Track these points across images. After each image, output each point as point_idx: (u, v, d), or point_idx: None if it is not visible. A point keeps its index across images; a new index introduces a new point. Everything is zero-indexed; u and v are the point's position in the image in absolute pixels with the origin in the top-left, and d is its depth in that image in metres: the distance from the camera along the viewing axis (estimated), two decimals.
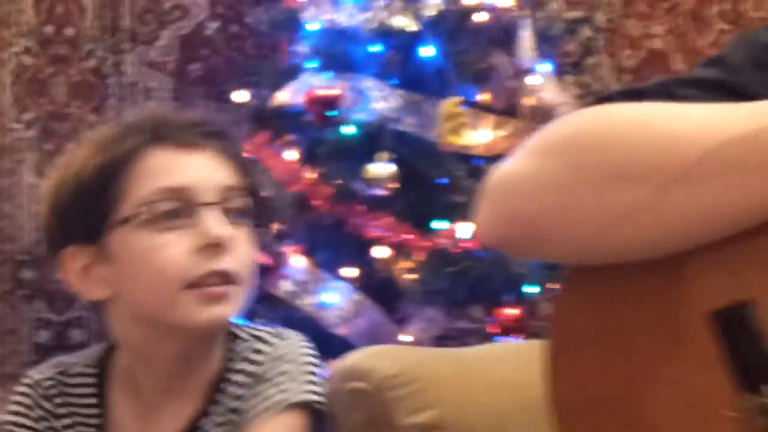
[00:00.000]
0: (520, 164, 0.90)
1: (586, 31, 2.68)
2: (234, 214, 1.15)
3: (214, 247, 1.10)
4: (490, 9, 2.00)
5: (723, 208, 0.80)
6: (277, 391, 1.13)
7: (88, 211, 1.15)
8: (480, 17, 1.98)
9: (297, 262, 1.97)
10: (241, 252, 1.13)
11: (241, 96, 2.18)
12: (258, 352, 1.17)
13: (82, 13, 2.52)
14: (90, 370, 1.21)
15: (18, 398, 1.18)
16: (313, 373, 1.16)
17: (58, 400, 1.18)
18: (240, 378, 1.16)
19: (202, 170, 1.15)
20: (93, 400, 1.18)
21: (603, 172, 0.85)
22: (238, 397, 1.16)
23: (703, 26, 2.57)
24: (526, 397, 1.15)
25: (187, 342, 1.15)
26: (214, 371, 1.17)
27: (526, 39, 2.00)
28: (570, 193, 0.86)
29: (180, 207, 1.12)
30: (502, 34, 2.01)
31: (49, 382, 1.18)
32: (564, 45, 2.54)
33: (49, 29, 2.50)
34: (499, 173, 0.90)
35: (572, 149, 0.89)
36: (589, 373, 1.01)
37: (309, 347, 1.19)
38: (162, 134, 1.17)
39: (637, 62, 2.54)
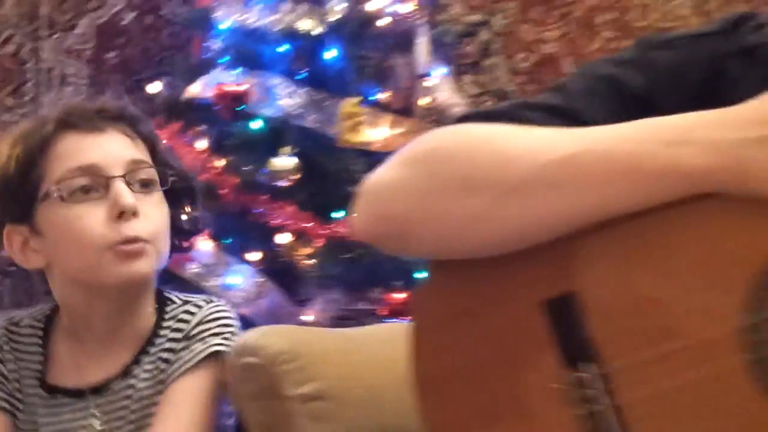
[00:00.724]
0: (390, 172, 1.03)
1: (484, 34, 2.77)
2: (141, 184, 1.27)
3: (125, 214, 1.22)
4: (391, 14, 2.08)
5: (550, 217, 0.94)
6: (201, 345, 1.28)
7: (16, 196, 1.29)
8: (381, 22, 2.07)
9: (204, 246, 2.01)
10: (151, 215, 1.27)
11: (154, 87, 2.25)
12: (188, 313, 1.32)
13: (1, 0, 2.52)
14: (37, 324, 1.35)
15: None
16: (231, 332, 1.31)
17: (6, 347, 1.31)
18: (169, 333, 1.30)
19: (107, 149, 1.28)
20: (38, 349, 1.31)
21: (454, 183, 0.99)
22: (168, 350, 1.29)
23: (592, 33, 2.72)
24: (398, 373, 1.27)
25: (117, 300, 1.28)
26: (147, 327, 1.31)
27: (422, 43, 2.10)
28: (428, 200, 1.00)
29: (92, 182, 1.26)
30: (401, 38, 2.10)
31: (0, 332, 1.32)
32: (464, 47, 2.69)
33: None
34: (373, 178, 1.03)
35: (431, 161, 1.02)
36: (443, 351, 1.15)
37: (231, 310, 1.34)
38: (70, 122, 1.29)
39: (530, 65, 2.66)
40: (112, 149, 1.31)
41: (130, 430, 1.29)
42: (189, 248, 1.47)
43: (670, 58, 1.05)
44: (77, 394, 1.29)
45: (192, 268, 1.99)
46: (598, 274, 0.96)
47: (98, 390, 1.29)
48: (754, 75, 1.00)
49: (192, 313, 1.32)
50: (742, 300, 0.86)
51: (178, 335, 1.30)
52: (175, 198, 1.34)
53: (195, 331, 1.31)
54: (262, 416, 1.31)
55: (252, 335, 1.32)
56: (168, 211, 1.33)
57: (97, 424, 1.28)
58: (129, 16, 2.57)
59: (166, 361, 1.30)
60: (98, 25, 2.58)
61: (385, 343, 1.42)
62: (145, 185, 1.31)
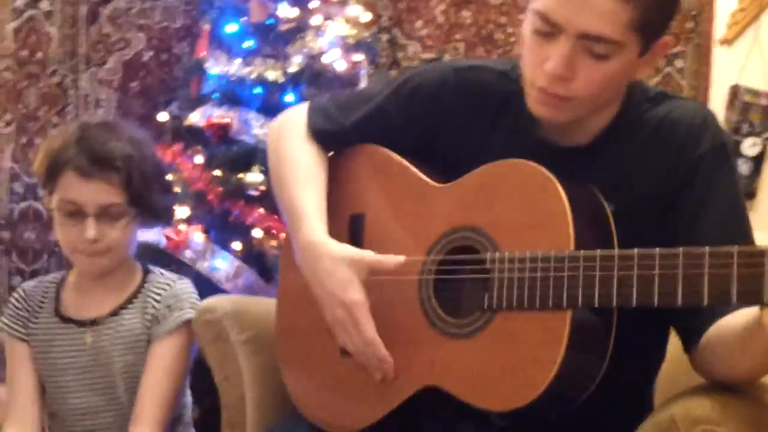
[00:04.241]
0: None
1: None
2: (109, 217, 1.73)
3: (90, 240, 1.72)
4: (341, 64, 2.47)
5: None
6: (178, 312, 1.81)
7: (44, 189, 1.80)
8: (332, 70, 2.45)
9: (197, 237, 2.36)
10: (111, 237, 1.74)
11: (163, 116, 2.63)
12: (166, 284, 1.86)
13: (49, 42, 2.80)
14: (55, 280, 1.91)
15: (11, 299, 1.88)
16: (196, 303, 1.82)
17: (35, 297, 1.86)
18: (150, 294, 1.84)
19: (89, 192, 1.74)
20: (53, 295, 1.86)
21: (271, 154, 1.57)
22: (149, 305, 1.81)
23: None
24: None
25: (96, 272, 1.82)
26: (133, 285, 1.85)
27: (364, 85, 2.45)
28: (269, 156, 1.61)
29: (74, 211, 1.75)
30: (348, 82, 2.46)
31: (32, 286, 1.87)
32: None
33: (24, 53, 2.81)
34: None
35: (273, 134, 1.62)
36: (286, 307, 1.63)
37: (193, 289, 1.86)
38: (75, 163, 1.73)
39: None
40: (93, 194, 1.72)
41: (110, 348, 1.82)
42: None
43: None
44: (79, 322, 1.85)
45: (187, 254, 2.34)
46: (375, 204, 1.50)
47: (93, 322, 1.83)
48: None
49: (169, 284, 1.84)
50: (429, 245, 1.42)
51: (158, 297, 1.82)
52: (149, 214, 1.80)
53: (171, 302, 1.81)
54: (217, 354, 1.75)
55: (210, 300, 1.78)
56: (132, 229, 1.75)
57: (89, 339, 1.83)
58: (148, 54, 2.87)
59: (145, 312, 1.81)
60: (124, 61, 2.87)
61: None
62: (113, 217, 1.74)
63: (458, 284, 1.41)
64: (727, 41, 3.25)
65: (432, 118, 1.50)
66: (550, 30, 1.30)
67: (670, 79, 3.37)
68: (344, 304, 1.40)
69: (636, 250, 1.22)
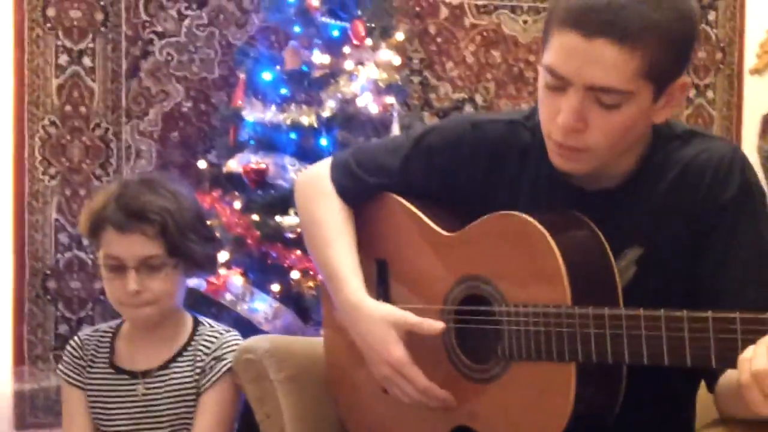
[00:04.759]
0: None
1: (468, 109, 3.17)
2: (149, 268, 1.77)
3: (132, 293, 1.77)
4: (374, 107, 2.51)
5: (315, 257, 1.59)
6: (222, 363, 1.85)
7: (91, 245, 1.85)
8: (365, 113, 2.50)
9: (236, 280, 2.41)
10: (153, 289, 1.77)
11: (202, 164, 2.71)
12: (214, 336, 1.89)
13: (91, 97, 2.86)
14: (111, 329, 1.95)
15: (68, 347, 1.91)
16: None
17: (90, 346, 1.89)
18: (199, 346, 1.87)
19: (127, 246, 1.78)
20: (108, 345, 1.89)
21: (301, 214, 1.64)
22: (198, 358, 1.85)
23: None
24: None
25: (144, 324, 1.86)
26: (183, 337, 1.89)
27: (395, 128, 2.52)
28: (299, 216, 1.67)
29: (117, 265, 1.79)
30: (380, 124, 2.51)
31: (86, 336, 1.89)
32: None
33: (68, 108, 2.85)
34: None
35: (299, 191, 1.70)
36: (331, 346, 1.70)
37: (239, 337, 1.88)
38: (112, 219, 1.78)
39: None
40: (131, 247, 1.77)
41: (161, 399, 1.86)
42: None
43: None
44: (132, 373, 1.88)
45: (227, 297, 2.39)
46: (395, 252, 1.57)
47: (145, 373, 1.87)
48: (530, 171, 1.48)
49: (216, 337, 1.88)
50: (445, 292, 1.48)
51: (207, 350, 1.86)
52: (190, 263, 1.83)
53: (218, 353, 1.85)
54: (257, 393, 1.77)
55: (249, 340, 1.82)
56: (174, 279, 1.79)
57: (141, 390, 1.87)
58: (187, 105, 2.94)
59: (195, 365, 1.85)
60: (164, 112, 2.91)
61: None
62: (153, 269, 1.78)
63: (476, 332, 1.46)
64: (758, 71, 3.27)
65: (452, 172, 1.54)
66: (559, 84, 1.31)
67: (702, 110, 3.38)
68: (389, 362, 1.47)
69: (623, 310, 1.27)
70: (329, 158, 1.70)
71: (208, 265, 1.91)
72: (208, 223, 2.06)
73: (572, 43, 1.28)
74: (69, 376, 1.93)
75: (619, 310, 1.28)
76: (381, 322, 1.48)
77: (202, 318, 1.96)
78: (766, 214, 1.39)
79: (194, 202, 1.91)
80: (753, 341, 1.14)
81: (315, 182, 1.65)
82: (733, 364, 1.16)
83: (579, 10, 1.27)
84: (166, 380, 1.88)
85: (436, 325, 1.46)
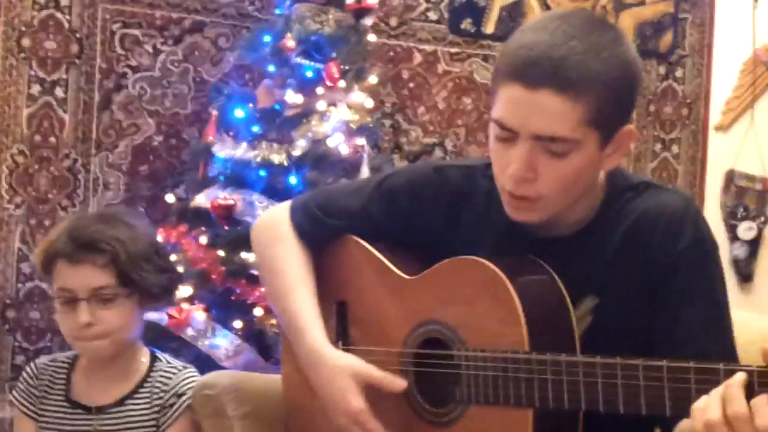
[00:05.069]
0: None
1: (438, 153, 3.20)
2: (101, 300, 1.75)
3: (84, 325, 1.74)
4: (344, 148, 2.53)
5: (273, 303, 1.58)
6: (182, 399, 1.84)
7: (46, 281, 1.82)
8: (335, 153, 2.51)
9: (199, 315, 2.40)
10: (106, 320, 1.76)
11: (170, 198, 2.70)
12: (171, 372, 1.88)
13: (62, 127, 2.85)
14: (67, 359, 1.91)
15: (23, 374, 1.89)
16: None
17: (44, 376, 1.86)
18: (155, 383, 1.85)
19: (80, 278, 1.77)
20: (64, 377, 1.87)
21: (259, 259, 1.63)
22: (155, 394, 1.83)
23: None
24: None
25: (99, 359, 1.83)
26: (140, 373, 1.87)
27: (365, 169, 2.55)
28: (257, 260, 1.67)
29: (69, 298, 1.78)
30: (350, 164, 2.52)
31: (42, 365, 1.87)
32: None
33: (37, 137, 2.83)
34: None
35: (255, 237, 1.69)
36: (288, 379, 1.68)
37: (197, 373, 1.88)
38: (63, 251, 1.77)
39: None
40: (82, 278, 1.76)
41: None
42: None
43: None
44: (86, 408, 1.86)
45: (188, 332, 2.38)
46: (355, 294, 1.56)
47: (100, 409, 1.85)
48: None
49: (173, 373, 1.87)
50: (405, 335, 1.48)
51: (164, 386, 1.85)
52: (144, 293, 1.82)
53: (177, 390, 1.84)
54: (214, 430, 1.78)
55: (208, 376, 1.84)
56: (128, 311, 1.77)
57: (96, 426, 1.84)
58: (158, 139, 2.93)
59: (152, 402, 1.83)
60: (134, 145, 2.92)
61: None
62: (106, 300, 1.77)
63: (434, 376, 1.47)
64: (722, 127, 3.33)
65: (413, 214, 1.56)
66: (508, 135, 1.35)
67: (667, 164, 3.44)
68: (347, 413, 1.47)
69: (579, 357, 1.28)
70: (287, 202, 1.70)
71: (163, 296, 1.89)
72: (172, 257, 2.05)
73: (517, 95, 1.31)
74: (22, 404, 1.91)
75: (575, 357, 1.29)
76: (341, 372, 1.48)
77: (159, 353, 1.94)
78: (718, 265, 1.41)
79: (149, 233, 1.90)
80: (706, 391, 1.15)
81: (273, 226, 1.65)
82: (686, 413, 1.17)
83: (522, 63, 1.31)
84: (122, 417, 1.86)
85: (399, 382, 1.46)
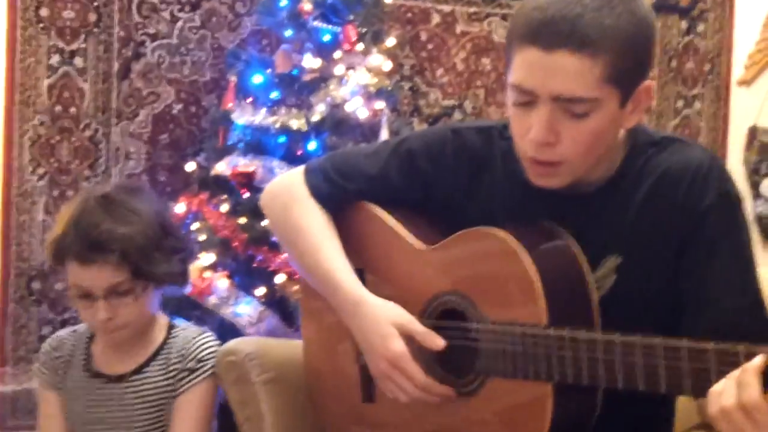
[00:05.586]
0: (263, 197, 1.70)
1: (457, 116, 3.19)
2: (117, 295, 1.76)
3: (103, 321, 1.76)
4: (363, 112, 2.51)
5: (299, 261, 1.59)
6: (202, 364, 1.86)
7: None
8: (354, 118, 2.50)
9: (221, 283, 2.40)
10: (123, 314, 1.77)
11: (190, 166, 2.70)
12: (189, 339, 1.89)
13: (82, 97, 2.86)
14: (87, 332, 1.94)
15: (43, 348, 1.92)
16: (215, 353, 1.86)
17: (65, 347, 1.90)
18: (174, 351, 1.87)
19: (93, 277, 1.77)
20: (84, 347, 1.90)
21: (278, 223, 1.62)
22: (174, 360, 1.86)
23: None
24: None
25: (122, 344, 1.86)
26: (157, 341, 1.89)
27: (384, 132, 2.52)
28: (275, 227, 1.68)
29: (84, 294, 1.78)
30: (369, 129, 2.51)
31: (63, 336, 1.90)
32: None
33: (58, 108, 2.84)
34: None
35: (270, 201, 1.67)
36: (309, 345, 1.69)
37: (216, 341, 1.89)
38: (76, 252, 1.76)
39: None
40: (95, 278, 1.77)
41: (135, 403, 1.87)
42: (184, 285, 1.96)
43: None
44: (107, 377, 1.89)
45: (211, 300, 2.39)
46: (373, 262, 1.56)
47: (120, 378, 1.88)
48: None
49: (189, 340, 1.88)
50: (423, 306, 1.48)
51: (179, 353, 1.86)
52: (158, 281, 1.82)
53: (193, 355, 1.86)
54: (239, 395, 1.79)
55: (232, 342, 1.84)
56: (145, 299, 1.78)
57: (116, 395, 1.87)
58: (177, 107, 2.94)
59: (168, 368, 1.86)
60: (154, 114, 2.91)
61: None
62: (122, 294, 1.78)
63: (452, 346, 1.47)
64: (746, 82, 3.28)
65: (433, 177, 1.54)
66: (527, 99, 1.34)
67: (689, 121, 3.40)
68: (387, 357, 1.46)
69: (599, 335, 1.27)
70: (299, 167, 1.68)
71: (179, 279, 1.89)
72: (195, 225, 2.01)
73: (534, 58, 1.30)
74: (45, 377, 1.94)
75: (594, 335, 1.28)
76: (386, 319, 1.47)
77: (176, 320, 1.96)
78: (744, 221, 1.39)
79: (156, 213, 1.86)
80: (725, 373, 1.14)
81: (287, 188, 1.63)
82: (705, 394, 1.16)
83: (537, 25, 1.30)
84: (140, 384, 1.89)
85: (439, 340, 1.45)
